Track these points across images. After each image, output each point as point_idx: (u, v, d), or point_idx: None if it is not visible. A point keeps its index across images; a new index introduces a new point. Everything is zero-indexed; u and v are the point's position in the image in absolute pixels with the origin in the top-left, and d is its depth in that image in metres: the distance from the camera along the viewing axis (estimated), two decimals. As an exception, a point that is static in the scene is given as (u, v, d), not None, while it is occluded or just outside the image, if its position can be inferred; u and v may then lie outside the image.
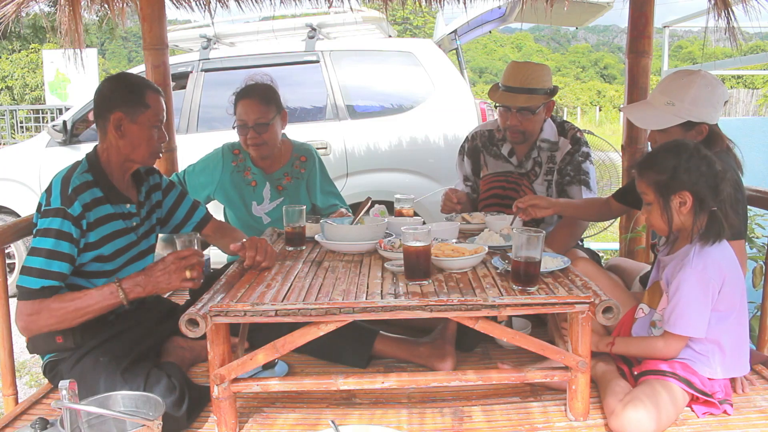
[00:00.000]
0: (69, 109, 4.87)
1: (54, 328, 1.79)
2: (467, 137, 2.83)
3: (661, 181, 1.75)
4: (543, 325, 2.27)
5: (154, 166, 2.17)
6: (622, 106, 2.44)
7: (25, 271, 1.75)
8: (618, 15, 3.55)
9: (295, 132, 2.99)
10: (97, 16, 3.23)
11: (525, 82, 2.44)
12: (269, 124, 2.56)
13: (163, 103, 2.00)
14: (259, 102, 2.55)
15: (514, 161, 2.62)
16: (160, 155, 2.04)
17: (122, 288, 1.76)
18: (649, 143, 2.19)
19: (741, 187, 2.00)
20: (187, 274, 1.75)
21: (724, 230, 1.72)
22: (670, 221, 1.76)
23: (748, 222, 2.99)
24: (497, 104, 2.53)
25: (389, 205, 2.73)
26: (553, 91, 2.52)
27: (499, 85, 2.55)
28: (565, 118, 2.69)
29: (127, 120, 1.91)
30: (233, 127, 2.61)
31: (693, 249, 1.74)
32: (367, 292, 1.68)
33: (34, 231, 1.82)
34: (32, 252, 1.76)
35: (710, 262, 1.71)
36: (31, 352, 1.94)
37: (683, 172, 1.72)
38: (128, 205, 2.00)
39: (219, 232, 2.33)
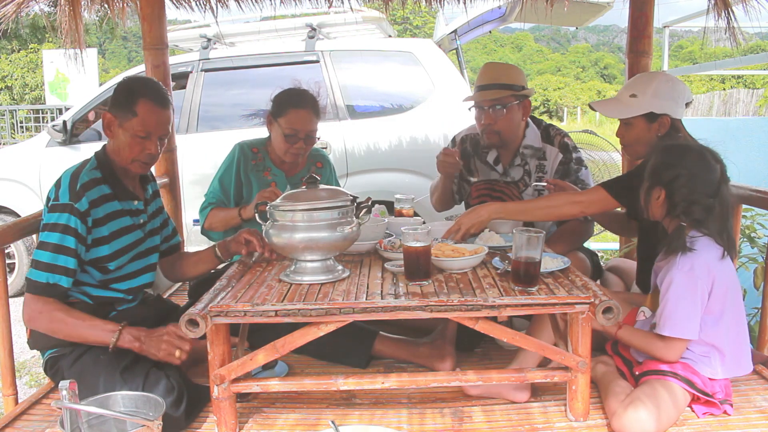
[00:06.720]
0: (69, 109, 4.86)
1: (49, 333, 1.82)
2: (454, 139, 2.74)
3: (658, 167, 1.79)
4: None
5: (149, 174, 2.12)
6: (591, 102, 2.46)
7: (34, 264, 1.79)
8: (618, 15, 3.55)
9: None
10: (97, 16, 3.22)
11: (495, 79, 2.45)
12: (317, 137, 2.51)
13: (163, 115, 1.93)
14: (314, 113, 2.46)
15: (500, 169, 2.58)
16: (146, 167, 1.98)
17: (122, 333, 1.77)
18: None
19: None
20: (177, 353, 1.75)
21: (684, 249, 1.72)
22: (646, 204, 1.84)
23: (750, 222, 2.99)
24: (471, 107, 2.52)
25: (389, 205, 2.73)
26: (528, 91, 2.50)
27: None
28: (564, 121, 2.67)
29: (116, 123, 1.91)
30: (266, 121, 2.50)
31: (679, 252, 1.74)
32: (367, 292, 1.68)
33: (41, 225, 1.84)
34: (40, 246, 1.80)
35: (697, 263, 1.71)
36: (32, 348, 1.95)
37: (676, 175, 1.74)
38: (136, 202, 2.01)
39: (182, 257, 2.27)
